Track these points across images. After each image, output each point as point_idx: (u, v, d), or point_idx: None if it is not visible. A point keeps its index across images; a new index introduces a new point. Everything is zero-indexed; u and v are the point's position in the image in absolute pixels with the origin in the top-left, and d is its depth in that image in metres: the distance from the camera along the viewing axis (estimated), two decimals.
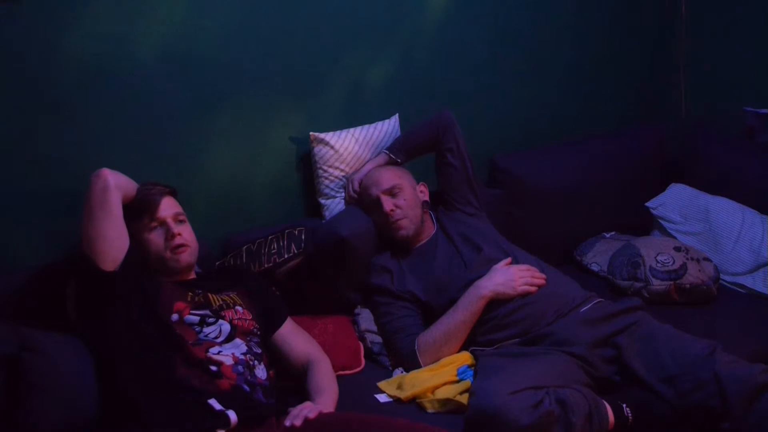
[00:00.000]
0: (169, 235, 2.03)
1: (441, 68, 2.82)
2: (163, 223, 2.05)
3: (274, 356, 2.12)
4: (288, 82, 2.52)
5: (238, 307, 2.05)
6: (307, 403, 1.90)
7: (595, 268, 2.80)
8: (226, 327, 1.97)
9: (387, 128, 2.64)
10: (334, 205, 2.59)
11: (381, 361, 2.32)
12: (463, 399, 2.03)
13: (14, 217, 2.18)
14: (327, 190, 2.59)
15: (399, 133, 2.65)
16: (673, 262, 2.53)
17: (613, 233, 2.97)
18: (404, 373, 2.24)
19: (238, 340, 1.96)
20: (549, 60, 3.07)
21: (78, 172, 2.14)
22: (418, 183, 2.57)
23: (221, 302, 2.03)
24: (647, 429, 2.01)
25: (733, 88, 3.16)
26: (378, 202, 2.43)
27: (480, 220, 2.55)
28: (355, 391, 2.12)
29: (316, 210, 2.62)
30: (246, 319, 2.03)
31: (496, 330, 2.23)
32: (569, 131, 3.14)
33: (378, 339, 2.36)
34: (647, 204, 2.92)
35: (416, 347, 2.24)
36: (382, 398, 2.12)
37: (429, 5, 2.74)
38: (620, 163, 3.00)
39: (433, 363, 2.22)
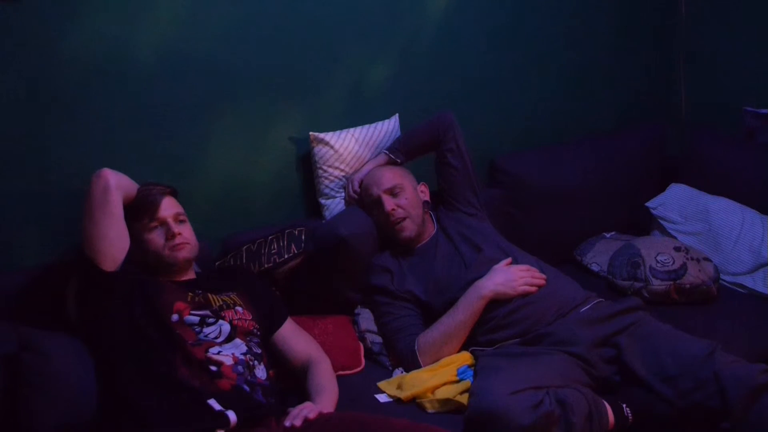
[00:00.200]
0: (170, 235, 2.03)
1: (441, 68, 2.82)
2: (163, 223, 2.05)
3: (274, 356, 2.12)
4: (288, 82, 2.52)
5: (238, 308, 2.05)
6: (307, 404, 1.90)
7: (595, 268, 2.80)
8: (226, 327, 1.97)
9: (387, 128, 2.64)
10: (334, 205, 2.59)
11: (381, 361, 2.33)
12: (463, 399, 2.03)
13: (14, 217, 2.18)
14: (327, 190, 2.59)
15: (399, 133, 2.66)
16: (673, 262, 2.53)
17: (613, 233, 2.97)
18: (404, 373, 2.24)
19: (238, 341, 1.96)
20: (549, 60, 3.07)
21: (78, 172, 2.14)
22: (418, 183, 2.57)
23: (221, 302, 2.03)
24: (647, 429, 2.01)
25: (733, 88, 3.16)
26: (379, 201, 2.43)
27: (480, 220, 2.55)
28: (355, 391, 2.12)
29: (316, 210, 2.62)
30: (246, 320, 2.03)
31: (497, 330, 2.23)
32: (569, 131, 3.14)
33: (378, 339, 2.36)
34: (647, 204, 2.92)
35: (416, 347, 2.24)
36: (382, 398, 2.12)
37: (429, 5, 2.74)
38: (620, 163, 3.00)
39: (433, 363, 2.22)
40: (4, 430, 1.82)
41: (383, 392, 2.15)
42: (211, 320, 1.97)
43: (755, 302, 2.56)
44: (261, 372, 1.95)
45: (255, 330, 2.04)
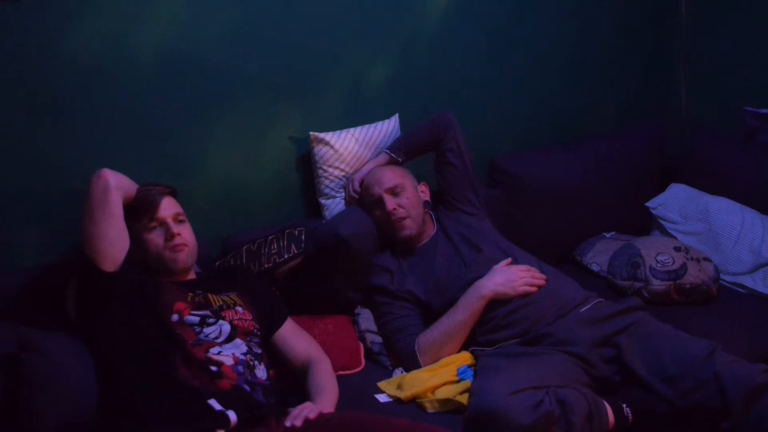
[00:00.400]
0: (169, 235, 2.03)
1: (441, 68, 2.82)
2: (162, 223, 2.05)
3: (274, 356, 2.12)
4: (288, 81, 2.52)
5: (238, 308, 2.05)
6: (308, 404, 1.90)
7: (595, 268, 2.80)
8: (227, 327, 1.97)
9: (387, 128, 2.64)
10: (334, 205, 2.59)
11: (381, 361, 2.33)
12: (463, 399, 2.03)
13: (14, 217, 2.18)
14: (327, 190, 2.59)
15: (399, 133, 2.66)
16: (673, 262, 2.53)
17: (613, 233, 2.97)
18: (404, 373, 2.24)
19: (238, 341, 1.96)
20: (549, 60, 3.07)
21: (78, 172, 2.14)
22: (418, 183, 2.57)
23: (221, 302, 2.03)
24: (647, 429, 2.01)
25: (733, 88, 3.16)
26: (380, 201, 2.43)
27: (480, 220, 2.55)
28: (355, 391, 2.12)
29: (316, 210, 2.62)
30: (246, 320, 2.03)
31: (497, 330, 2.23)
32: (569, 131, 3.14)
33: (378, 339, 2.36)
34: (647, 204, 2.92)
35: (416, 347, 2.25)
36: (382, 398, 2.12)
37: (429, 5, 2.74)
38: (620, 163, 3.00)
39: (433, 363, 2.22)
40: (4, 430, 1.82)
41: (383, 392, 2.15)
42: (211, 320, 1.97)
43: (755, 302, 2.56)
44: (261, 372, 1.95)
45: (255, 330, 2.04)
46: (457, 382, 2.13)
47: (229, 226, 2.49)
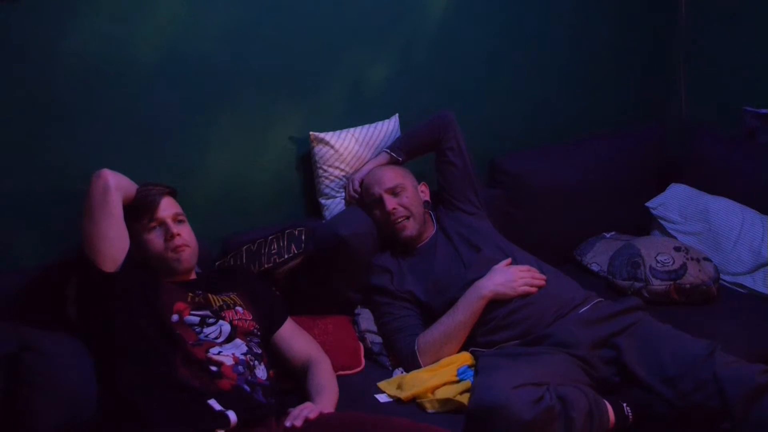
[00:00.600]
0: (169, 236, 2.03)
1: (441, 68, 2.82)
2: (162, 224, 2.05)
3: (274, 356, 2.12)
4: (288, 81, 2.52)
5: (238, 308, 2.05)
6: (308, 404, 1.91)
7: (595, 268, 2.80)
8: (227, 327, 1.97)
9: (387, 128, 2.64)
10: (334, 205, 2.59)
11: (381, 361, 2.33)
12: (463, 399, 2.03)
13: (14, 217, 2.18)
14: (327, 190, 2.59)
15: (399, 133, 2.66)
16: (673, 262, 2.53)
17: (613, 233, 2.97)
18: (404, 373, 2.24)
19: (238, 341, 1.96)
20: (549, 60, 3.07)
21: (78, 172, 2.14)
22: (419, 183, 2.57)
23: (221, 303, 2.03)
24: (647, 429, 2.01)
25: (733, 88, 3.16)
26: (380, 200, 2.43)
27: (480, 220, 2.55)
28: (355, 391, 2.12)
29: (316, 210, 2.62)
30: (246, 320, 2.03)
31: (496, 331, 2.23)
32: (569, 131, 3.14)
33: (378, 339, 2.36)
34: (647, 204, 2.92)
35: (416, 347, 2.24)
36: (382, 398, 2.12)
37: (429, 5, 2.74)
38: (620, 163, 3.00)
39: (433, 363, 2.22)
40: (4, 430, 1.82)
41: (383, 392, 2.15)
42: (211, 320, 1.97)
43: (755, 302, 2.56)
44: (261, 372, 1.95)
45: (255, 330, 2.04)
46: (457, 382, 2.14)
47: (229, 226, 2.49)
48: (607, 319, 2.19)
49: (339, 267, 2.40)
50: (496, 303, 2.24)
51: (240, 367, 1.90)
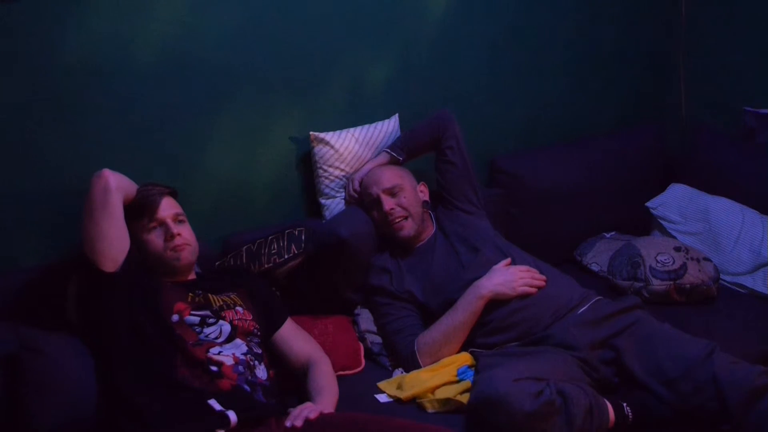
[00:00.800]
0: (169, 236, 2.03)
1: (441, 68, 2.82)
2: (162, 224, 2.05)
3: (275, 356, 2.12)
4: (288, 81, 2.52)
5: (239, 308, 2.05)
6: (308, 404, 1.91)
7: (595, 268, 2.80)
8: (227, 327, 1.97)
9: (387, 128, 2.64)
10: (334, 205, 2.59)
11: (381, 362, 2.32)
12: (463, 399, 2.03)
13: (14, 217, 2.18)
14: (327, 190, 2.59)
15: (399, 133, 2.65)
16: (673, 262, 2.53)
17: (613, 233, 2.97)
18: (404, 373, 2.24)
19: (238, 341, 1.96)
20: (549, 60, 3.07)
21: (78, 172, 2.14)
22: (418, 183, 2.57)
23: (221, 303, 2.03)
24: (647, 429, 2.01)
25: (733, 88, 3.16)
26: (378, 201, 2.43)
27: (479, 219, 2.54)
28: (355, 391, 2.12)
29: (316, 210, 2.62)
30: (246, 320, 2.03)
31: (496, 333, 2.22)
32: (569, 131, 3.14)
33: (378, 339, 2.36)
34: (647, 204, 2.92)
35: (416, 348, 2.24)
36: (382, 398, 2.12)
37: (429, 5, 2.74)
38: (620, 163, 3.00)
39: (432, 364, 2.21)
40: (4, 430, 1.82)
41: (383, 392, 2.15)
42: (211, 320, 1.97)
43: (755, 302, 2.56)
44: (261, 372, 1.95)
45: (255, 330, 2.04)
46: (457, 382, 2.13)
47: (229, 226, 2.49)
48: (606, 319, 2.19)
49: (339, 267, 2.40)
50: (494, 304, 2.24)
51: (240, 367, 1.90)
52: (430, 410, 2.06)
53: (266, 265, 2.32)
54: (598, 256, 2.82)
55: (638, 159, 3.04)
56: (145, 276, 2.00)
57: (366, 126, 2.62)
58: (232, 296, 2.08)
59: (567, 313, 2.23)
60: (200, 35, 2.34)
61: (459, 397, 2.05)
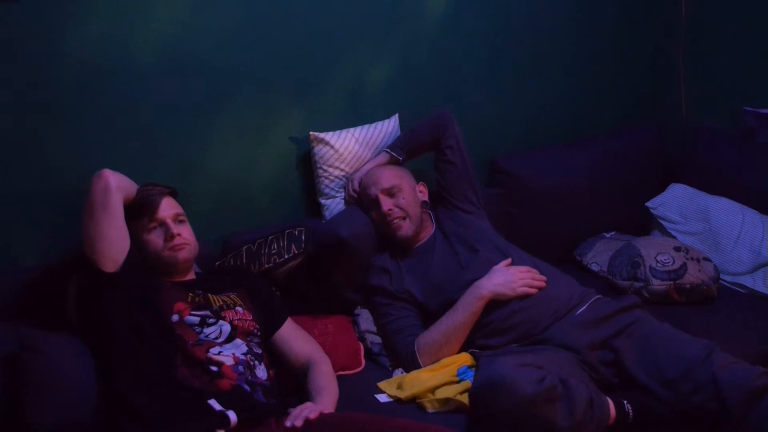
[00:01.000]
0: (169, 236, 2.03)
1: (441, 68, 2.82)
2: (162, 224, 2.05)
3: (275, 357, 2.12)
4: (288, 81, 2.52)
5: (239, 308, 2.05)
6: (308, 404, 1.91)
7: (595, 268, 2.80)
8: (227, 327, 1.97)
9: (387, 128, 2.64)
10: (334, 205, 2.59)
11: (381, 362, 2.32)
12: (464, 399, 2.03)
13: (14, 217, 2.18)
14: (327, 190, 2.59)
15: (399, 133, 2.65)
16: (673, 262, 2.53)
17: (613, 233, 2.97)
18: (404, 373, 2.24)
19: (238, 341, 1.96)
20: (549, 60, 3.06)
21: (78, 172, 2.14)
22: (417, 183, 2.57)
23: (221, 303, 2.03)
24: (648, 429, 2.01)
25: (733, 88, 3.16)
26: (377, 201, 2.43)
27: (479, 219, 2.54)
28: (355, 391, 2.12)
29: (316, 210, 2.62)
30: (246, 320, 2.03)
31: (496, 335, 2.22)
32: (569, 131, 3.14)
33: (378, 339, 2.36)
34: (647, 204, 2.92)
35: (416, 348, 2.24)
36: (382, 398, 2.12)
37: (429, 5, 2.74)
38: (620, 163, 3.00)
39: (432, 364, 2.21)
40: (4, 430, 1.82)
41: (383, 392, 2.15)
42: (211, 320, 1.97)
43: (755, 302, 2.55)
44: (261, 372, 1.95)
45: (255, 330, 2.04)
46: (458, 382, 2.13)
47: (229, 226, 2.49)
48: (605, 319, 2.19)
49: (339, 267, 2.40)
50: (494, 306, 2.23)
51: (240, 367, 1.90)
52: (430, 410, 2.06)
53: (266, 265, 2.32)
54: (598, 256, 2.82)
55: (638, 159, 3.04)
56: (145, 276, 2.00)
57: (366, 126, 2.62)
58: (232, 296, 2.08)
59: (566, 314, 2.23)
60: (200, 35, 2.34)
61: (459, 397, 2.05)
